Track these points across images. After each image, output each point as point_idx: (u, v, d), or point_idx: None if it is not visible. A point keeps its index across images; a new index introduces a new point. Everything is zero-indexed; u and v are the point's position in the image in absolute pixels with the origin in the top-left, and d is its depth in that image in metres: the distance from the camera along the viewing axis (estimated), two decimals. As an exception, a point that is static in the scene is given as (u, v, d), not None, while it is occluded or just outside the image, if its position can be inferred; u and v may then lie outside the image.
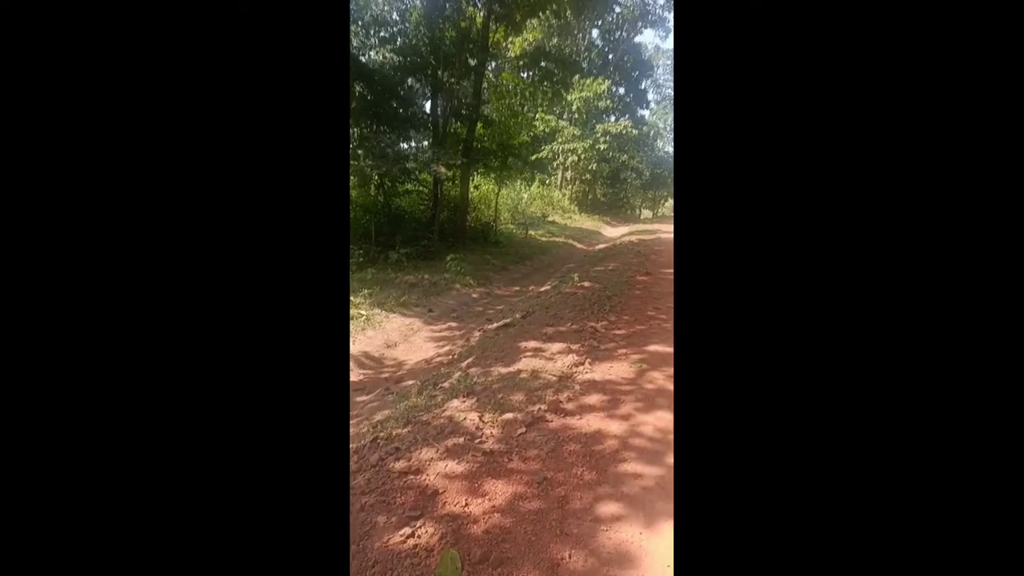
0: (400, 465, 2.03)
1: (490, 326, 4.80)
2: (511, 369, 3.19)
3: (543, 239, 12.31)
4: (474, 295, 6.64)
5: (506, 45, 9.93)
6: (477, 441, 2.22)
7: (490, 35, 9.37)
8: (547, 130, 19.33)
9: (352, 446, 2.38)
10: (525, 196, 17.04)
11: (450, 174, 9.21)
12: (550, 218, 16.87)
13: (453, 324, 5.26)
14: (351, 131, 8.67)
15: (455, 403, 2.69)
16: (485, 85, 11.09)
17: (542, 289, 6.83)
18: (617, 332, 3.92)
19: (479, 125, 10.18)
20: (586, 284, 5.75)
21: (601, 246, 12.22)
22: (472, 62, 9.38)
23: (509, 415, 2.46)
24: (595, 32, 21.27)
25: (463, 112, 9.49)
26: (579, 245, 12.45)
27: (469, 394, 2.81)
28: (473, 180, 11.05)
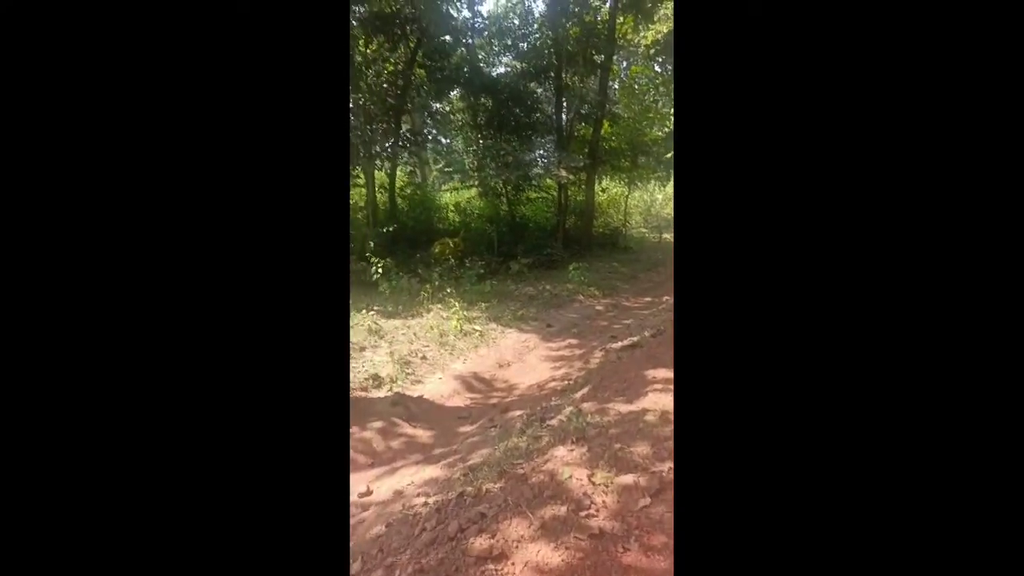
0: (481, 543, 1.60)
1: (613, 345, 4.21)
2: (634, 407, 2.60)
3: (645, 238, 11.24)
4: (598, 307, 6.07)
5: (636, 38, 9.19)
6: (584, 514, 1.70)
7: (617, 27, 8.74)
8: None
9: (438, 498, 2.02)
10: (660, 197, 15.91)
11: (573, 178, 8.76)
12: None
13: (573, 341, 4.76)
14: (478, 143, 8.71)
15: (561, 451, 2.19)
16: (614, 82, 10.46)
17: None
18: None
19: (605, 124, 9.57)
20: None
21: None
22: (598, 58, 8.83)
23: (628, 477, 1.89)
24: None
25: (587, 112, 8.97)
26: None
27: (580, 439, 2.29)
28: (600, 183, 10.46)
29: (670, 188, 17.25)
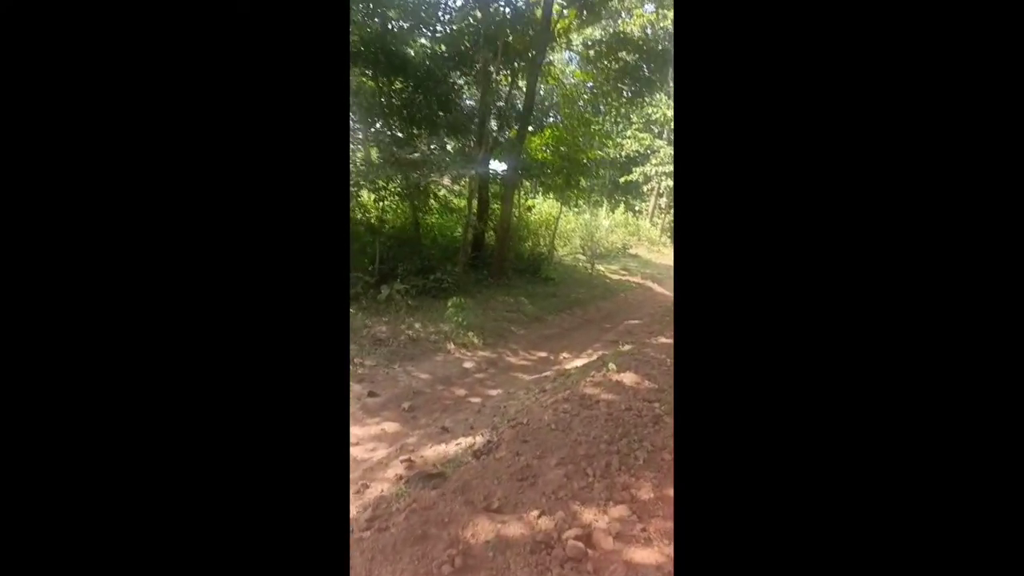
0: None
1: (418, 456, 2.66)
2: None
3: (614, 277, 9.91)
4: (468, 363, 4.52)
5: (579, 37, 7.89)
6: None
7: (556, 21, 7.40)
8: (640, 149, 16.89)
9: None
10: (606, 223, 14.70)
11: (495, 190, 7.29)
12: (633, 251, 14.35)
13: (390, 428, 3.18)
14: (382, 132, 7.10)
15: None
16: (549, 86, 9.11)
17: (572, 365, 4.54)
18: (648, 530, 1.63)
19: (547, 132, 8.19)
20: (627, 378, 3.38)
21: (688, 292, 9.55)
22: (532, 54, 7.44)
23: None
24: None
25: (516, 115, 7.53)
26: (658, 288, 9.85)
27: None
28: (527, 199, 9.05)
29: (618, 215, 16.15)
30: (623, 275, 10.35)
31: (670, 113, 15.83)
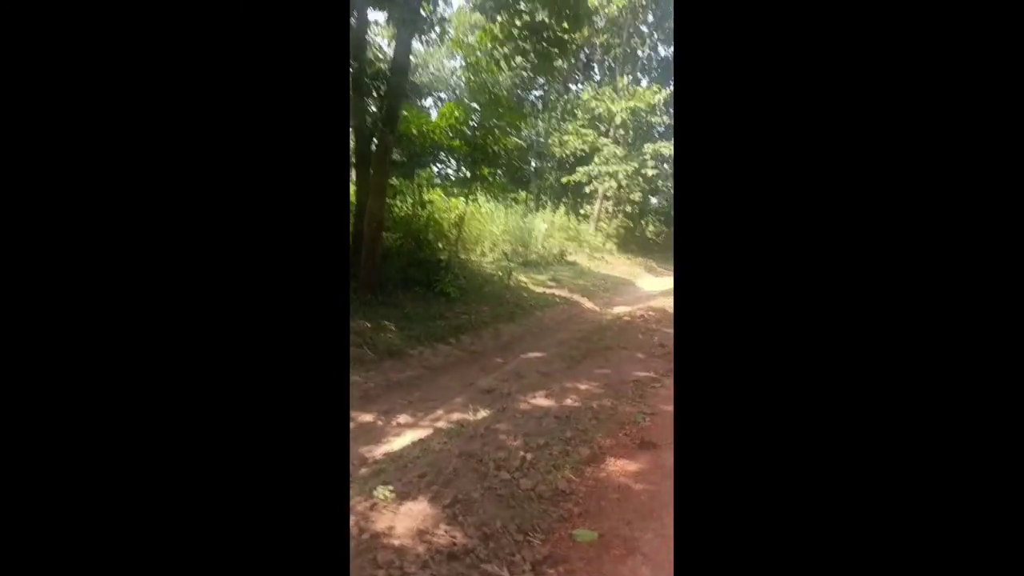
0: None
1: None
2: None
3: (536, 290, 8.27)
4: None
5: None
6: None
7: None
8: (584, 147, 15.45)
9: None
10: (543, 227, 13.13)
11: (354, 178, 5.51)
12: (571, 258, 12.80)
13: None
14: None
15: None
16: (457, 52, 7.42)
17: (395, 444, 2.80)
18: None
19: (447, 109, 6.47)
20: (403, 522, 1.67)
21: (620, 309, 7.99)
22: None
23: None
24: (648, 20, 17.19)
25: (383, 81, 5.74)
26: (587, 304, 8.28)
27: None
28: (424, 192, 7.31)
29: (558, 217, 14.62)
30: (549, 288, 8.73)
31: (615, 108, 14.47)
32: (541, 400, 3.13)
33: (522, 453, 2.30)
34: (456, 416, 3.18)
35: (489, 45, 5.94)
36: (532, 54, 5.66)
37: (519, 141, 7.70)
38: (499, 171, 7.94)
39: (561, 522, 1.88)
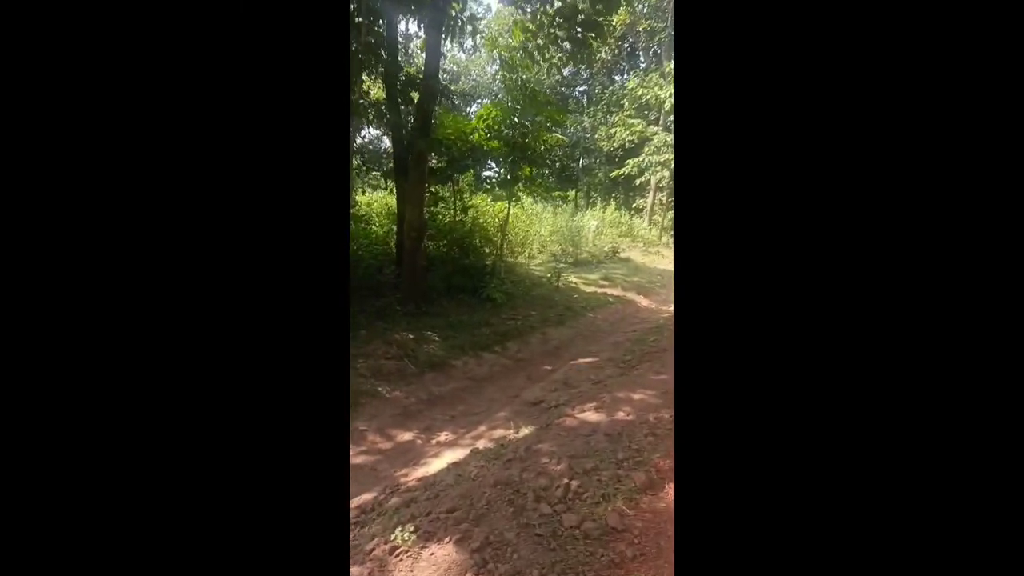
0: None
1: None
2: None
3: (587, 290, 7.91)
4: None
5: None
6: None
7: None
8: (633, 138, 14.87)
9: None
10: (593, 224, 12.71)
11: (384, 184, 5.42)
12: (624, 254, 12.31)
13: None
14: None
15: None
16: (494, 51, 7.22)
17: (433, 466, 2.60)
18: None
19: (484, 110, 6.30)
20: None
21: (680, 306, 7.50)
22: None
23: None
24: None
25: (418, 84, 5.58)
26: (643, 302, 7.82)
27: None
28: (471, 197, 7.14)
29: (609, 213, 14.11)
30: (602, 287, 8.34)
31: (663, 94, 13.80)
32: (590, 414, 2.82)
33: (566, 480, 2.02)
34: (498, 433, 2.94)
35: (522, 38, 5.66)
36: (567, 42, 5.33)
37: (562, 137, 7.36)
38: (545, 171, 7.64)
39: (612, 569, 1.58)
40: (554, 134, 7.00)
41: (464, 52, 19.58)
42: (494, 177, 6.59)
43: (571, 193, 14.31)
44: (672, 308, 8.00)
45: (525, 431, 2.79)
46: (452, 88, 16.30)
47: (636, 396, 3.07)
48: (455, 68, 19.91)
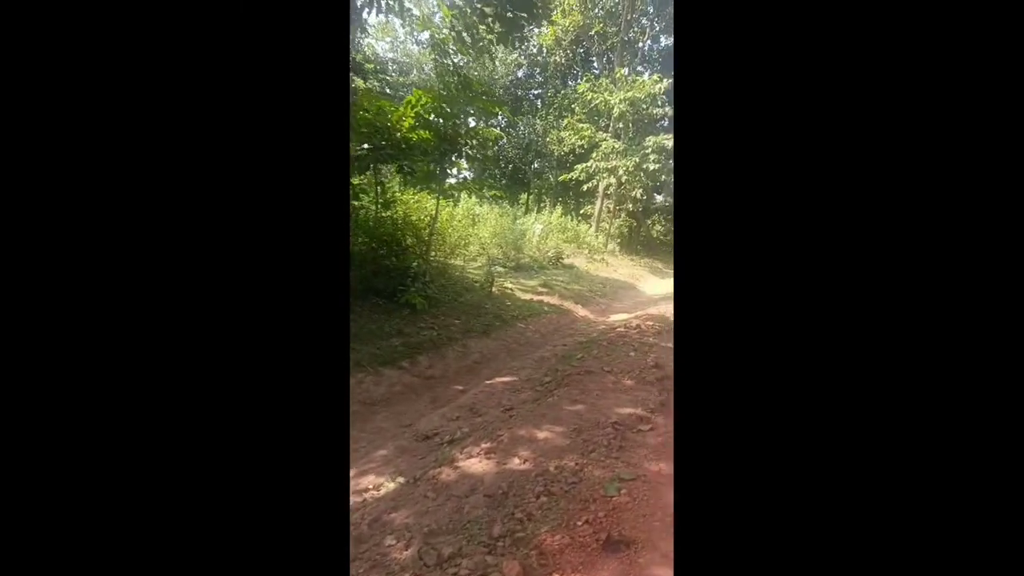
0: None
1: None
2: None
3: (523, 297, 7.40)
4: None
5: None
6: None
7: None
8: (582, 143, 14.58)
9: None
10: (538, 228, 12.27)
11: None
12: (568, 260, 11.93)
13: None
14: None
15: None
16: (423, 31, 6.58)
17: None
18: None
19: (414, 96, 5.65)
20: None
21: (616, 317, 7.09)
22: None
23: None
24: (648, 11, 16.27)
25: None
26: (580, 312, 7.40)
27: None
28: (382, 188, 6.44)
29: (554, 218, 13.71)
30: (539, 294, 7.86)
31: (612, 100, 13.56)
32: (478, 461, 2.26)
33: None
34: (362, 484, 2.32)
35: (450, 15, 5.08)
36: (495, 20, 4.79)
37: (499, 132, 6.82)
38: (496, 172, 7.05)
39: None
40: (491, 128, 6.44)
41: (417, 45, 18.77)
42: (416, 170, 5.93)
43: (523, 196, 13.84)
44: (611, 319, 7.68)
45: (391, 486, 2.19)
46: (401, 80, 15.49)
47: (541, 435, 2.54)
48: (407, 60, 19.09)
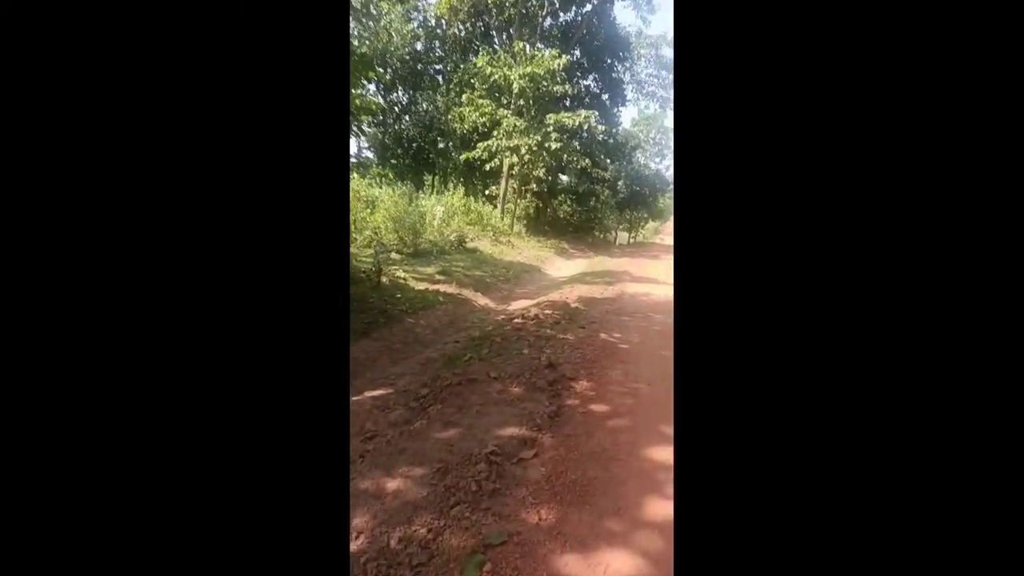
0: None
1: None
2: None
3: (417, 287, 6.70)
4: None
5: None
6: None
7: None
8: (484, 121, 13.92)
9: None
10: (439, 210, 11.51)
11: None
12: (471, 244, 11.34)
13: None
14: None
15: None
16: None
17: None
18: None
19: None
20: None
21: (517, 305, 6.65)
22: None
23: None
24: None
25: None
26: (480, 301, 6.86)
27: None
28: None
29: (456, 199, 13.02)
30: (436, 282, 7.20)
31: (512, 75, 13.00)
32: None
33: None
34: None
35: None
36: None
37: (378, 102, 5.99)
38: (400, 151, 6.19)
39: None
40: (371, 99, 5.59)
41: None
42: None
43: (428, 177, 12.96)
44: (512, 307, 7.25)
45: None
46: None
47: (392, 484, 1.94)
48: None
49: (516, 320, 5.12)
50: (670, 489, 2.03)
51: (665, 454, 2.32)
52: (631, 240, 25.77)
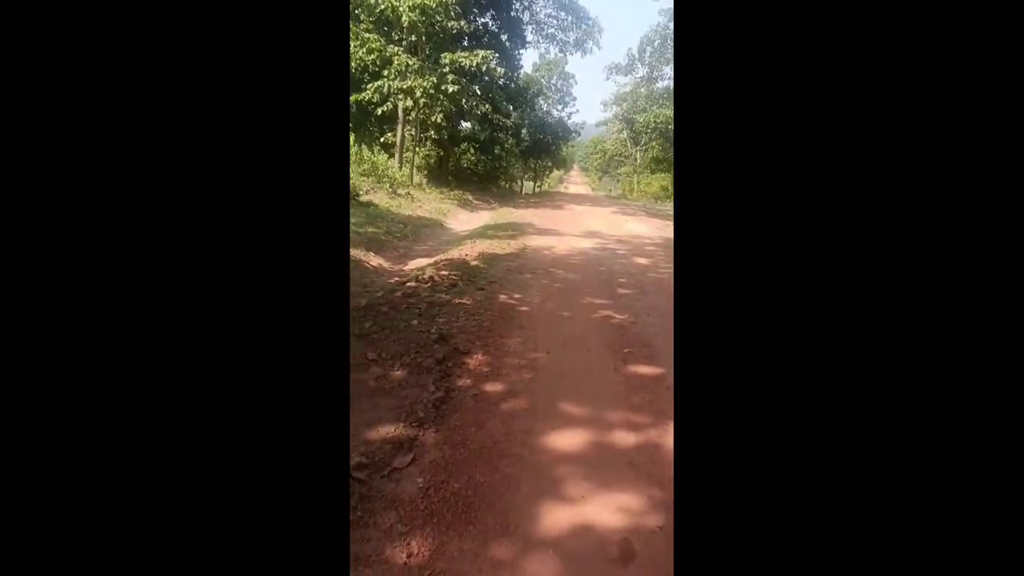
0: None
1: None
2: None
3: (296, 250, 5.90)
4: None
5: None
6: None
7: None
8: (373, 58, 12.55)
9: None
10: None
11: None
12: (366, 197, 10.41)
13: None
14: None
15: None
16: None
17: None
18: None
19: None
20: None
21: (415, 264, 6.12)
22: None
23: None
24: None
25: None
26: (372, 262, 6.22)
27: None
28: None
29: (350, 148, 11.85)
30: (320, 243, 6.40)
31: (401, 8, 11.73)
32: None
33: None
34: None
35: None
36: None
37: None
38: None
39: None
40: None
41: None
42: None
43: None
44: (409, 266, 6.71)
45: None
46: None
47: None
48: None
49: (409, 284, 4.62)
50: (569, 489, 1.77)
51: (563, 440, 2.06)
52: (536, 189, 25.66)
